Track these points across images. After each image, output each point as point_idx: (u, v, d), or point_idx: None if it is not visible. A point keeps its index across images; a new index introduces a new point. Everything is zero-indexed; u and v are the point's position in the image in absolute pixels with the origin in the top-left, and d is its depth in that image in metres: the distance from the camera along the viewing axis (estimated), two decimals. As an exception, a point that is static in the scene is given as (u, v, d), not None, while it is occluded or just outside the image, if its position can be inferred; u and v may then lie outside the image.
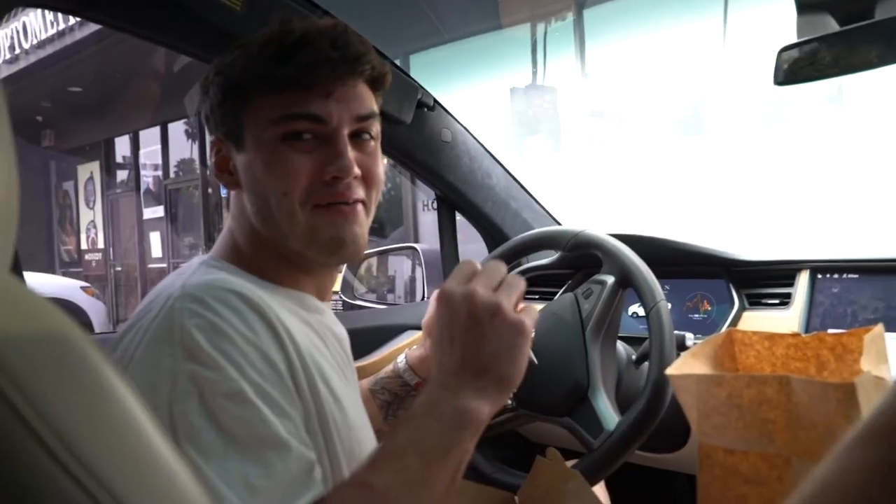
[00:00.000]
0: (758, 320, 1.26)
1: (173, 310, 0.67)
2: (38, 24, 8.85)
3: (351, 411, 0.77)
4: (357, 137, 0.79)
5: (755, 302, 1.30)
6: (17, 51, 9.19)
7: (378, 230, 6.87)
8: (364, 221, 0.81)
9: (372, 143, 0.81)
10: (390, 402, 1.05)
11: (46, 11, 8.50)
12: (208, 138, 0.87)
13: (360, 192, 0.79)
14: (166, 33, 1.20)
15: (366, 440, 0.80)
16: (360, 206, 0.79)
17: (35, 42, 8.92)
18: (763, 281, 1.31)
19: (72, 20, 8.33)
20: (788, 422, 0.67)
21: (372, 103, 0.81)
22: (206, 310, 0.66)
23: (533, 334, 0.71)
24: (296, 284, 0.81)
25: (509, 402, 1.12)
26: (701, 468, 0.73)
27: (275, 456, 0.63)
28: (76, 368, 0.36)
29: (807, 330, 1.20)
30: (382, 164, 0.83)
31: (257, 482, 0.61)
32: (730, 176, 4.90)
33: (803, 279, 1.27)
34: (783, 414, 0.67)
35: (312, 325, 0.79)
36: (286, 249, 0.80)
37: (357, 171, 0.77)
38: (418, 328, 1.04)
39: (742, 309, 1.29)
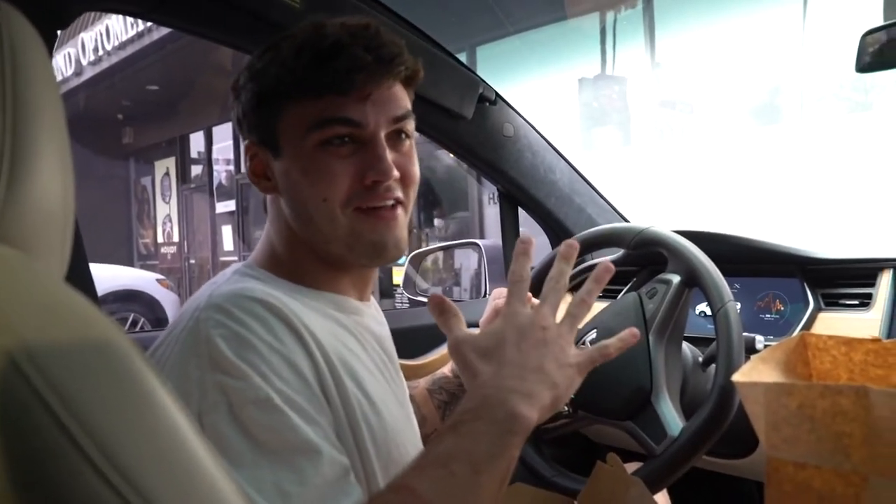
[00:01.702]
0: (834, 322, 1.19)
1: (199, 321, 0.67)
2: (119, 27, 9.20)
3: (388, 413, 0.76)
4: (393, 138, 0.79)
5: (832, 302, 1.24)
6: (101, 52, 9.58)
7: (442, 226, 6.89)
8: (403, 222, 0.80)
9: (408, 142, 0.81)
10: (448, 402, 1.05)
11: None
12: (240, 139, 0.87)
13: (398, 193, 0.78)
14: (228, 32, 1.22)
15: (406, 442, 0.78)
16: (399, 209, 0.79)
17: (116, 43, 9.28)
18: (841, 280, 1.25)
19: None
20: (866, 436, 0.62)
21: (406, 102, 0.80)
22: (230, 319, 0.67)
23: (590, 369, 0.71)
24: (334, 286, 0.81)
25: (565, 408, 1.10)
26: (769, 483, 0.69)
27: (305, 461, 0.63)
28: (121, 378, 0.36)
29: (889, 334, 1.13)
30: (417, 161, 0.82)
31: (290, 488, 0.61)
32: (808, 167, 4.69)
33: (886, 279, 1.20)
34: (860, 427, 0.63)
35: (348, 328, 0.79)
36: (325, 252, 0.79)
37: (396, 173, 0.77)
38: (478, 325, 1.03)
39: (817, 309, 1.23)
